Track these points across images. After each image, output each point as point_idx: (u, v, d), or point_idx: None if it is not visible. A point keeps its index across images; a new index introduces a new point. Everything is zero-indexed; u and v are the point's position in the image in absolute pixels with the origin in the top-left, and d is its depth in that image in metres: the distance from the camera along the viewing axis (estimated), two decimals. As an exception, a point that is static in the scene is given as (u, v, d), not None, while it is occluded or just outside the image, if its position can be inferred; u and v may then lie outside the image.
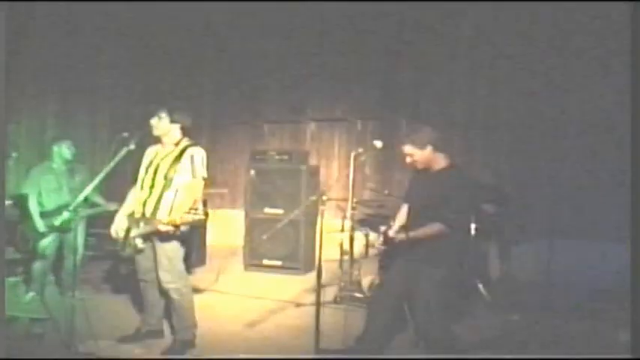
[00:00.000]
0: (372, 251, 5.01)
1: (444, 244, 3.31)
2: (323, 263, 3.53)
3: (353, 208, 5.00)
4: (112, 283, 5.40)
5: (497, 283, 5.05)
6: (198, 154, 3.73)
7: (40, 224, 4.75)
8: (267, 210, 6.34)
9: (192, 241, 5.67)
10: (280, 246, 6.21)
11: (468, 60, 6.74)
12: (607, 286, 4.93)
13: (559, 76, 6.16)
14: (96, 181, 3.52)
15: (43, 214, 4.78)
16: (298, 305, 4.99)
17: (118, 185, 4.32)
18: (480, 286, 4.79)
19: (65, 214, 4.65)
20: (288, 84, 7.67)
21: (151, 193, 3.69)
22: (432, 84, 6.91)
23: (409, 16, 6.90)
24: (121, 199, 3.98)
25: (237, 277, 6.15)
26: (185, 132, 3.81)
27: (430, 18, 6.82)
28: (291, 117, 7.66)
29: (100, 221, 4.91)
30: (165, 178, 3.65)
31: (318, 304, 3.50)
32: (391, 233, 3.44)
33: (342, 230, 5.28)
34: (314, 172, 6.59)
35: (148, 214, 3.65)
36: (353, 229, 5.02)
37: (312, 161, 7.01)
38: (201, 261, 6.46)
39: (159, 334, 4.00)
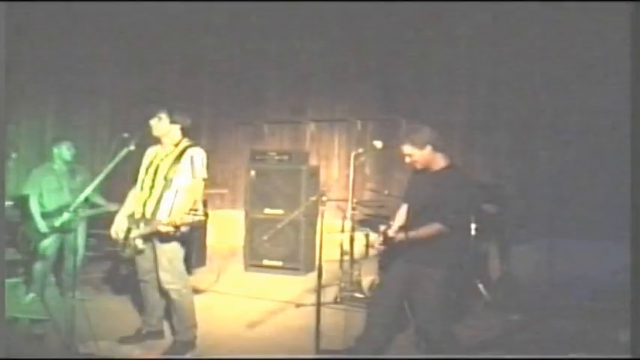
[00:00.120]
0: (372, 251, 5.01)
1: (444, 244, 3.30)
2: (323, 264, 3.54)
3: (353, 209, 5.02)
4: (113, 284, 5.40)
5: (498, 283, 5.04)
6: (198, 154, 3.72)
7: (42, 225, 4.75)
8: (267, 210, 6.33)
9: (193, 241, 5.69)
10: (280, 246, 6.21)
11: (468, 60, 6.74)
12: (607, 286, 4.93)
13: (559, 77, 6.16)
14: (96, 182, 3.52)
15: (44, 215, 4.78)
16: (298, 306, 4.98)
17: (118, 186, 4.31)
18: (480, 286, 4.78)
19: (66, 215, 4.64)
20: (288, 84, 7.68)
21: (151, 193, 3.69)
22: (432, 84, 6.91)
23: (409, 16, 6.90)
24: (121, 200, 3.98)
25: (237, 277, 6.14)
26: (185, 132, 3.80)
27: (430, 18, 6.82)
28: (291, 117, 7.66)
29: (100, 222, 4.91)
30: (165, 178, 3.65)
31: (318, 304, 3.50)
32: (390, 233, 3.43)
33: (343, 231, 5.28)
34: (314, 172, 6.57)
35: (148, 215, 3.65)
36: (353, 229, 5.03)
37: (312, 161, 6.99)
38: (202, 262, 6.45)
39: (159, 334, 4.00)
